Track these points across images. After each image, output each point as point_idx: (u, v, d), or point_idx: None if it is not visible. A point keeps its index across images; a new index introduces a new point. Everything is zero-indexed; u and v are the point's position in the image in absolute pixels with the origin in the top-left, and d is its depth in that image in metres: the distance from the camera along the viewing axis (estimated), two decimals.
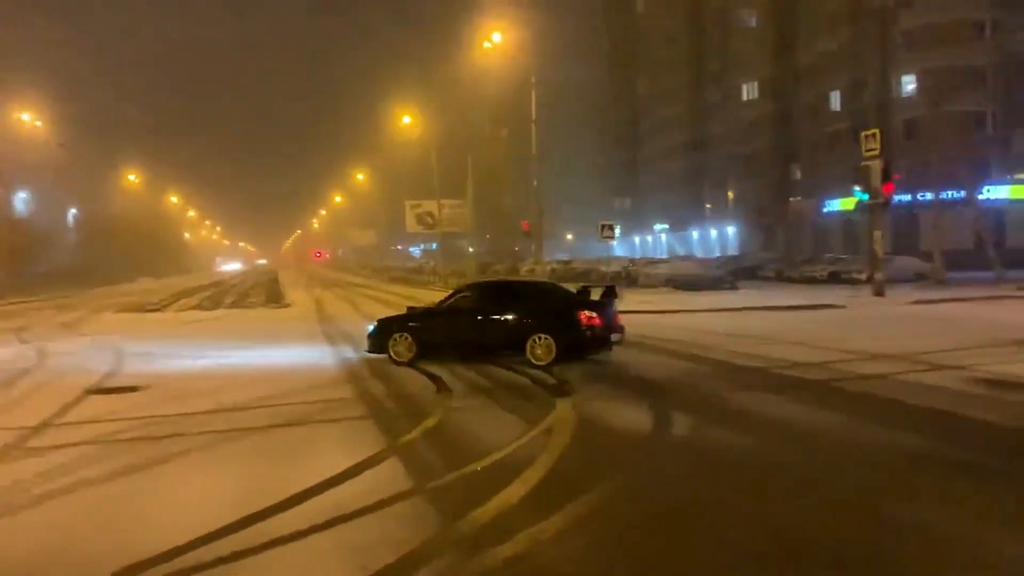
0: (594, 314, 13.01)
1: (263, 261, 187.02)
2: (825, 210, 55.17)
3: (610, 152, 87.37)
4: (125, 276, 71.52)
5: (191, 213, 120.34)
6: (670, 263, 42.17)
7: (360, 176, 78.78)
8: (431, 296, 35.42)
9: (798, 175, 60.67)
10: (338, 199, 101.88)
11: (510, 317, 13.27)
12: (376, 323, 14.25)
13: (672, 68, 74.53)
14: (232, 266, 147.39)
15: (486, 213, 66.29)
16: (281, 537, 5.33)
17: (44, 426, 9.07)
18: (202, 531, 5.46)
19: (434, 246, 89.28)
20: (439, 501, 6.12)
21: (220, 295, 43.85)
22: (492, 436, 8.08)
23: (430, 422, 8.75)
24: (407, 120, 50.54)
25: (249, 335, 19.58)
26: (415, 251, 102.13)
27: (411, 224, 60.80)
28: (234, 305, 33.84)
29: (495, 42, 34.22)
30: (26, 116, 46.41)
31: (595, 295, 14.26)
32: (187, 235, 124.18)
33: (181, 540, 5.27)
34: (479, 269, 47.74)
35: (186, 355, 15.72)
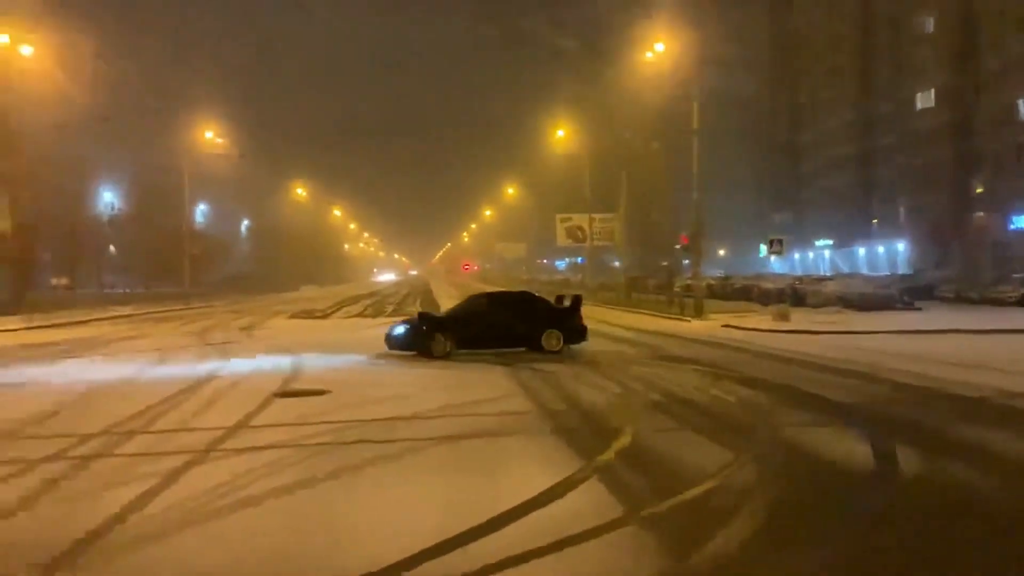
0: (581, 315, 17.52)
1: (415, 272, 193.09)
2: (1013, 227, 50.52)
3: (769, 165, 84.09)
4: (290, 284, 75.47)
5: (352, 226, 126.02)
6: (839, 281, 39.68)
7: (511, 190, 79.64)
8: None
9: (979, 189, 55.93)
10: (488, 213, 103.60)
11: (526, 318, 17.14)
12: (409, 327, 17.01)
13: (837, 76, 70.81)
14: (387, 276, 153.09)
15: (635, 227, 65.21)
16: (498, 562, 4.97)
17: (239, 428, 9.25)
18: (409, 549, 5.19)
19: (580, 260, 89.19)
20: (658, 530, 5.61)
21: (380, 303, 45.26)
22: (694, 459, 7.50)
23: (623, 441, 8.24)
24: (561, 133, 50.43)
25: None
26: (560, 265, 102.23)
27: (561, 238, 60.75)
28: (395, 313, 34.66)
29: (657, 52, 33.48)
30: (209, 134, 49.84)
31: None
32: (347, 246, 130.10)
33: (388, 558, 5.03)
34: (628, 284, 46.79)
35: (359, 361, 16.00)
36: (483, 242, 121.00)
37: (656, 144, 74.43)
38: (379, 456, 7.76)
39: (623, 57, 45.17)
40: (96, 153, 52.17)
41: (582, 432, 8.94)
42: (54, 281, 45.54)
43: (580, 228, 56.01)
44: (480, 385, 12.53)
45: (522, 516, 5.92)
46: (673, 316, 29.36)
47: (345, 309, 39.66)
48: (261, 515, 6.04)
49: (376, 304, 44.68)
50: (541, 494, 6.40)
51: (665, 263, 69.32)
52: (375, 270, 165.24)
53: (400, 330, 16.93)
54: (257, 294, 59.50)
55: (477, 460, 7.74)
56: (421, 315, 18.53)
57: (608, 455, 7.71)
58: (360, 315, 34.80)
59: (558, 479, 6.81)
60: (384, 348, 16.84)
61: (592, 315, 30.88)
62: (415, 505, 6.30)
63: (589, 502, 6.27)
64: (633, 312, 32.87)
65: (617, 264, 60.71)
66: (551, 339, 16.76)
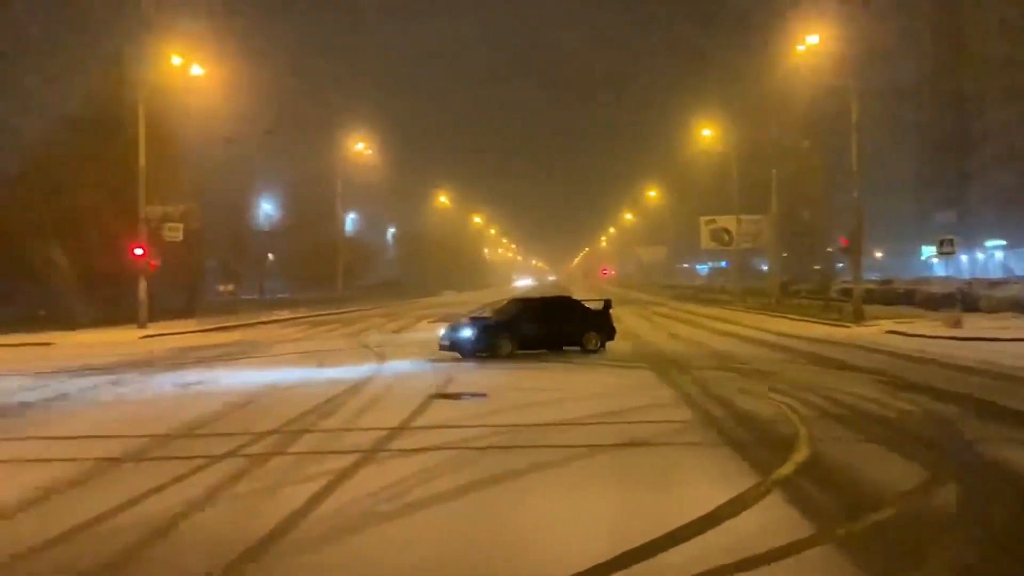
0: (611, 317, 19.05)
1: (552, 278, 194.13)
2: None
3: (931, 161, 78.67)
4: (432, 290, 77.41)
5: (492, 231, 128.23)
6: (1021, 284, 36.42)
7: (652, 193, 78.46)
8: (728, 315, 33.94)
9: None
10: (628, 216, 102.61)
11: (569, 320, 18.52)
12: (477, 329, 17.53)
13: (1010, 64, 65.34)
14: (525, 281, 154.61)
15: (785, 229, 62.60)
16: None
17: (402, 429, 9.37)
18: (584, 562, 4.99)
19: (723, 264, 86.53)
20: (857, 553, 5.14)
21: None
22: (884, 475, 6.91)
23: (801, 455, 7.71)
24: (707, 132, 49.11)
25: None
26: (702, 269, 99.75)
27: (705, 240, 59.09)
28: None
29: (811, 43, 31.91)
30: (360, 145, 51.93)
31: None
32: (486, 251, 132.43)
33: (561, 572, 4.84)
34: (779, 289, 44.83)
35: (509, 366, 16.02)
36: (622, 246, 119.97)
37: (807, 141, 71.33)
38: (544, 462, 7.61)
39: (772, 50, 43.48)
40: (257, 165, 55.37)
41: (752, 443, 8.45)
42: (220, 287, 48.67)
43: (726, 230, 54.30)
44: (632, 392, 12.20)
45: (701, 532, 5.59)
46: (831, 322, 27.82)
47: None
48: (431, 519, 6.00)
49: None
50: (718, 509, 6.03)
51: (817, 267, 66.31)
52: (514, 275, 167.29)
53: (468, 333, 17.43)
54: (402, 299, 61.34)
55: (644, 470, 7.45)
56: (475, 319, 19.62)
57: (786, 468, 7.21)
58: None
59: (734, 493, 6.42)
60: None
61: (743, 321, 29.91)
62: (584, 515, 6.09)
63: (773, 519, 5.85)
64: (786, 318, 31.41)
65: (764, 268, 58.44)
66: (592, 340, 18.13)
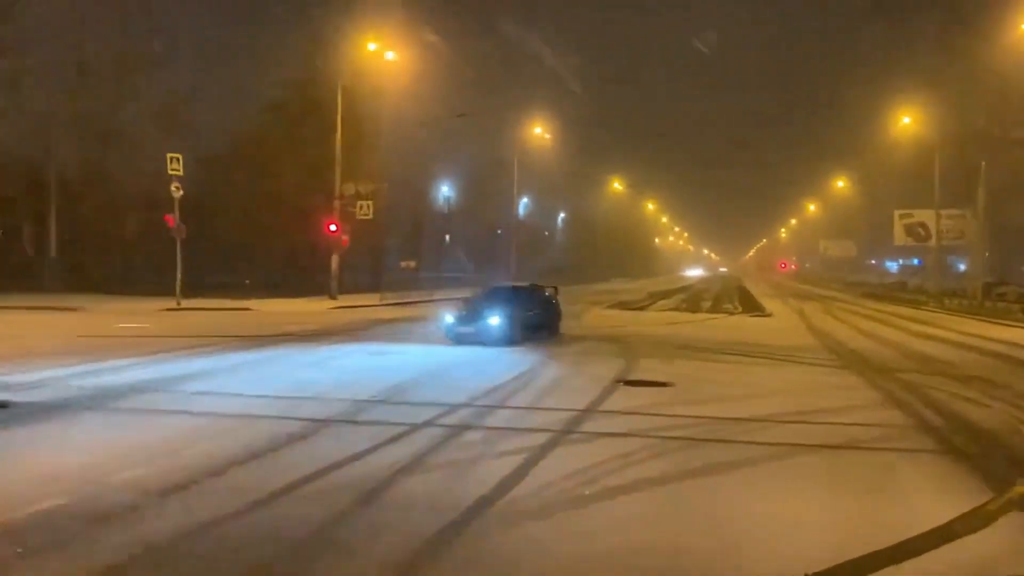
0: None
1: (724, 269, 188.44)
2: None
3: None
4: (601, 276, 77.15)
5: (663, 219, 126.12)
6: None
7: (840, 183, 74.07)
8: (925, 316, 31.41)
9: None
10: (811, 208, 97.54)
11: (545, 307, 19.03)
12: (502, 318, 16.63)
13: None
14: (695, 272, 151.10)
15: (992, 226, 57.20)
16: None
17: (589, 411, 9.29)
18: (801, 570, 4.64)
19: (915, 261, 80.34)
20: None
21: (694, 299, 44.43)
22: None
23: None
24: (907, 120, 45.56)
25: (741, 340, 18.96)
26: (892, 266, 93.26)
27: (899, 236, 55.26)
28: (712, 310, 33.77)
29: None
30: (538, 130, 52.47)
31: None
32: (656, 240, 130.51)
33: None
34: (984, 290, 40.98)
35: (692, 355, 15.60)
36: (804, 239, 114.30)
37: (1022, 131, 64.82)
38: (742, 459, 7.25)
39: (983, 32, 39.64)
40: (440, 148, 57.20)
41: (979, 454, 7.68)
42: (402, 264, 50.88)
43: (923, 226, 50.50)
44: (829, 391, 11.48)
45: (934, 546, 5.06)
46: None
47: (660, 303, 39.44)
48: (629, 506, 5.83)
49: (690, 299, 43.93)
50: (952, 523, 5.45)
51: None
52: (683, 265, 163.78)
53: (501, 321, 16.57)
54: (571, 284, 61.54)
55: (857, 474, 6.93)
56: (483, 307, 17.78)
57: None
58: (676, 309, 34.32)
59: (967, 507, 5.79)
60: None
61: (943, 323, 27.55)
62: (795, 518, 5.71)
63: (1018, 541, 5.24)
64: (993, 322, 28.66)
65: (962, 267, 53.79)
66: (559, 326, 18.79)
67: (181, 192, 25.33)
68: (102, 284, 31.76)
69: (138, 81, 37.44)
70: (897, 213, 54.09)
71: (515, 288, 20.27)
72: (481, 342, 16.08)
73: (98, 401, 9.41)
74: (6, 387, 10.05)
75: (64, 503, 5.48)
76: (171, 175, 25.23)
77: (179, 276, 26.12)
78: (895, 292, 55.95)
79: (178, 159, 25.45)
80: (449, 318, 17.09)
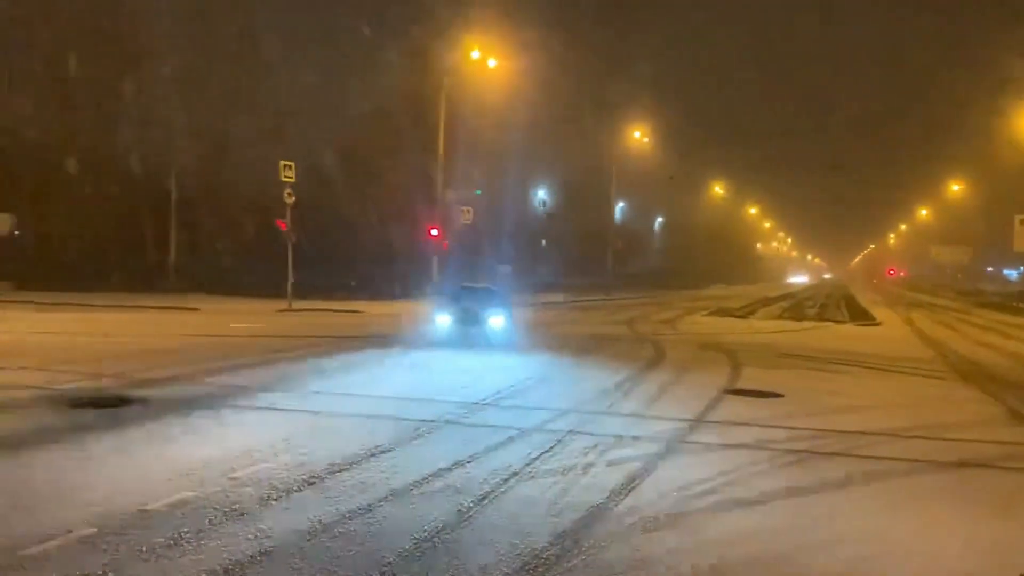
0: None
1: (829, 275, 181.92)
2: None
3: None
4: (700, 282, 75.75)
5: (766, 224, 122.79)
6: None
7: (955, 187, 70.46)
8: None
9: None
10: (923, 212, 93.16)
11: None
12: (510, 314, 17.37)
13: None
14: (799, 278, 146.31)
15: None
16: None
17: (698, 422, 9.18)
18: None
19: None
20: None
21: (798, 306, 43.13)
22: None
23: None
24: None
25: (849, 350, 18.31)
26: (1011, 274, 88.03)
27: (1020, 242, 52.01)
28: (818, 318, 32.68)
29: None
30: (637, 134, 52.04)
31: None
32: (759, 245, 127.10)
33: None
34: None
35: (800, 365, 15.18)
36: (914, 245, 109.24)
37: None
38: (862, 474, 7.03)
39: None
40: (537, 152, 57.44)
41: None
42: (500, 268, 51.28)
43: None
44: (948, 405, 11.00)
45: None
46: None
47: (763, 310, 38.45)
48: (743, 520, 5.74)
49: (794, 307, 42.65)
50: None
51: None
52: (787, 271, 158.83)
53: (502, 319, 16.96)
54: (668, 289, 60.72)
55: (986, 496, 6.60)
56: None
57: None
58: (779, 317, 33.38)
59: None
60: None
61: None
62: (917, 539, 5.49)
63: None
64: None
65: None
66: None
67: (293, 198, 26.32)
68: (218, 286, 33.31)
69: (251, 91, 39.13)
70: (1018, 218, 50.94)
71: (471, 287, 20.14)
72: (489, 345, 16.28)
73: (220, 399, 9.90)
74: (139, 384, 10.71)
75: (194, 496, 5.81)
76: (284, 181, 26.24)
77: (290, 278, 27.14)
78: (1014, 302, 52.82)
79: (291, 166, 26.44)
80: (443, 316, 17.12)
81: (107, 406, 9.13)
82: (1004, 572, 4.90)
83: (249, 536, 5.09)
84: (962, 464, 7.54)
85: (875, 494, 6.55)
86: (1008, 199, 58.21)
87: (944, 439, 8.71)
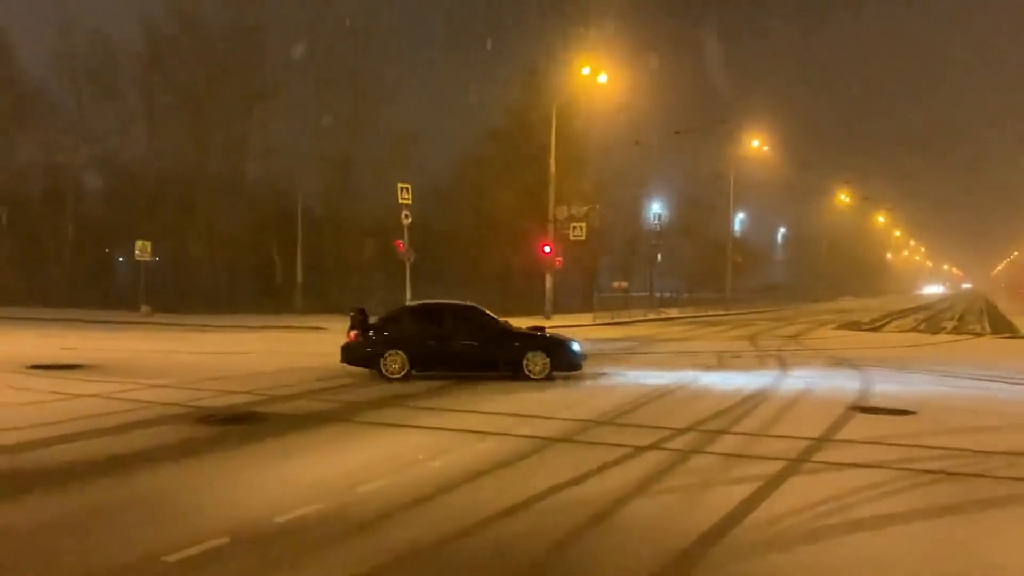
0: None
1: (968, 285, 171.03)
2: None
3: None
4: (827, 295, 72.79)
5: (896, 233, 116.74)
6: None
7: None
8: None
9: None
10: None
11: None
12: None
13: None
14: (934, 289, 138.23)
15: None
16: None
17: (824, 440, 8.78)
18: None
19: None
20: None
21: (934, 319, 40.77)
22: None
23: None
24: None
25: (990, 365, 17.11)
26: None
27: None
28: (956, 331, 30.75)
29: None
30: (755, 143, 50.72)
31: None
32: (888, 255, 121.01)
33: None
34: None
35: (936, 381, 14.31)
36: None
37: None
38: (1007, 496, 6.56)
39: None
40: (653, 167, 56.84)
41: None
42: (615, 284, 50.98)
43: None
44: None
45: None
46: None
47: (895, 323, 36.52)
48: (881, 542, 5.44)
49: (929, 319, 40.32)
50: None
51: None
52: (920, 282, 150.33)
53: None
54: (792, 303, 58.61)
55: None
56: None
57: None
58: (913, 330, 31.63)
59: None
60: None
61: None
62: None
63: None
64: None
65: None
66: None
67: (410, 219, 27.04)
68: (341, 305, 34.59)
69: (371, 115, 40.57)
70: None
71: (423, 308, 15.04)
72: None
73: (340, 414, 10.26)
74: (270, 399, 11.23)
75: (318, 509, 6.01)
76: (401, 204, 27.01)
77: (408, 296, 27.84)
78: None
79: (407, 188, 27.19)
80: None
81: (241, 422, 9.60)
82: None
83: (368, 550, 5.22)
84: None
85: (1014, 519, 6.08)
86: None
87: None
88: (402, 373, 13.65)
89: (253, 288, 38.42)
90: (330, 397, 11.71)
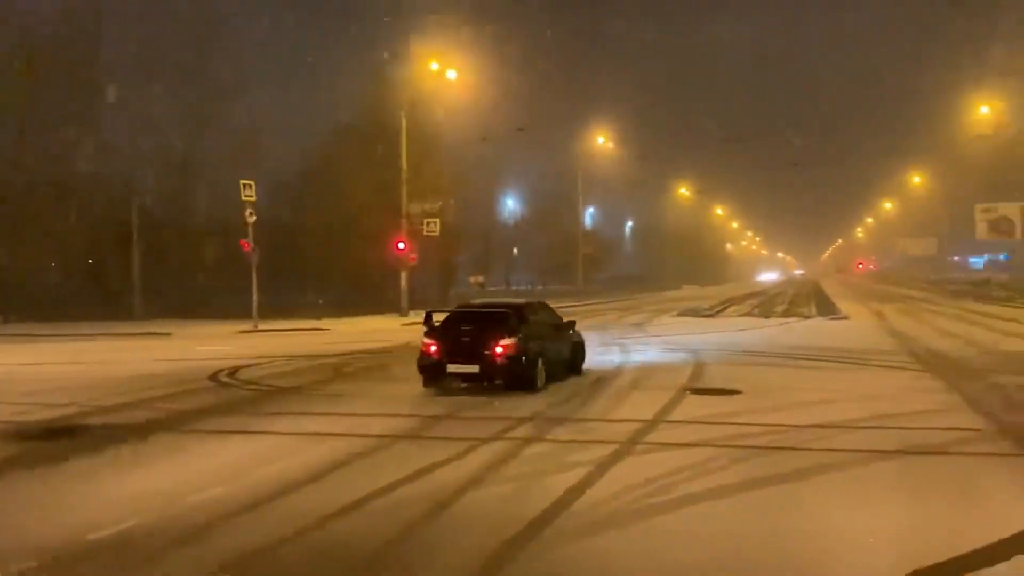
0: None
1: (800, 272, 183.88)
2: None
3: None
4: (671, 284, 76.28)
5: (734, 224, 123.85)
6: None
7: (917, 179, 71.64)
8: (1015, 313, 30.14)
9: None
10: (888, 206, 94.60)
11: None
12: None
13: None
14: (769, 276, 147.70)
15: None
16: None
17: (657, 422, 9.23)
18: None
19: (1002, 257, 76.95)
20: None
21: (768, 304, 43.56)
22: None
23: None
24: (985, 110, 43.70)
25: (815, 345, 18.55)
26: (977, 262, 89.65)
27: (981, 231, 53.14)
28: (786, 314, 33.04)
29: None
30: (600, 139, 52.43)
31: None
32: (728, 246, 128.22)
33: None
34: None
35: (764, 361, 15.33)
36: (882, 238, 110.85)
37: None
38: (818, 466, 7.12)
39: None
40: (504, 163, 57.67)
41: None
42: (471, 279, 51.37)
43: (1007, 219, 48.43)
44: (908, 395, 11.17)
45: (1012, 555, 4.93)
46: None
47: (733, 308, 38.79)
48: (702, 517, 5.79)
49: (763, 304, 43.08)
50: None
51: None
52: (757, 270, 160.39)
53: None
54: (639, 293, 61.06)
55: (937, 481, 6.71)
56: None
57: None
58: (748, 314, 33.71)
59: None
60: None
61: None
62: (872, 525, 5.57)
63: None
64: None
65: None
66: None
67: (255, 217, 26.12)
68: (184, 309, 33.01)
69: (214, 112, 38.81)
70: (978, 207, 52.06)
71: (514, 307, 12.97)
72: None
73: (177, 423, 9.82)
74: (102, 411, 10.59)
75: (140, 523, 5.73)
76: (244, 201, 26.05)
77: (255, 299, 26.93)
78: (979, 289, 53.75)
79: (251, 185, 26.26)
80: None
81: (66, 436, 9.01)
82: (945, 551, 4.97)
83: (191, 561, 5.05)
84: (914, 452, 7.65)
85: (828, 486, 6.63)
86: (970, 189, 59.27)
87: (899, 428, 8.83)
88: None
89: (89, 295, 35.93)
90: (166, 406, 11.16)
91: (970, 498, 6.17)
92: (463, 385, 11.67)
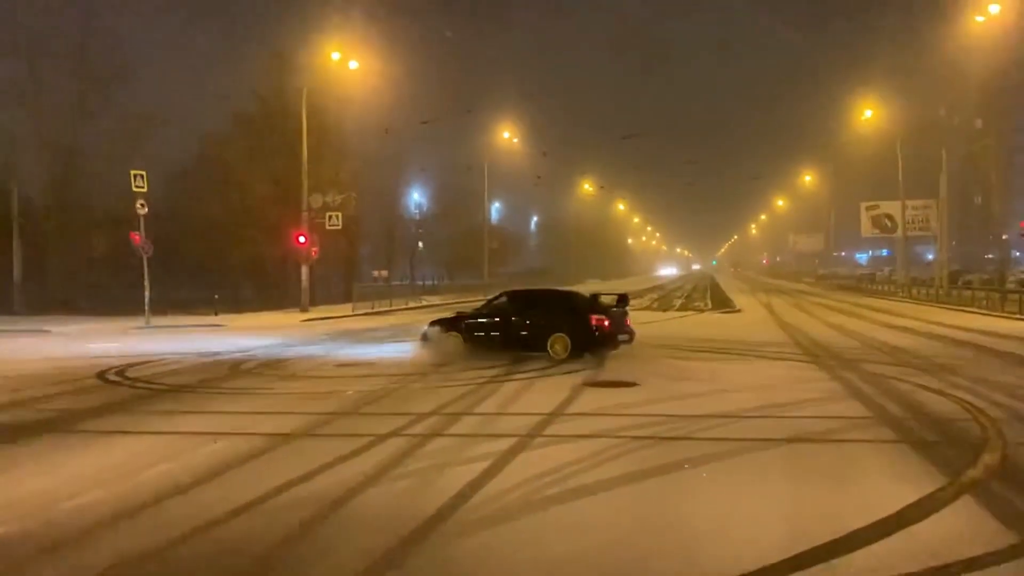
0: (603, 317, 14.90)
1: (698, 266, 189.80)
2: None
3: None
4: (575, 278, 77.34)
5: (635, 220, 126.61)
6: None
7: (807, 178, 74.88)
8: (893, 306, 31.91)
9: None
10: (780, 203, 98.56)
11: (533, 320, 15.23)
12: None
13: None
14: (669, 271, 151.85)
15: (954, 215, 58.15)
16: None
17: (555, 415, 9.33)
18: (759, 560, 4.75)
19: (884, 252, 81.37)
20: None
21: (666, 298, 44.73)
22: None
23: (993, 457, 7.07)
24: (868, 114, 45.98)
25: (710, 337, 19.19)
26: (862, 258, 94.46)
27: (866, 228, 55.95)
28: (684, 308, 34.02)
29: (991, 14, 29.35)
30: (506, 134, 52.59)
31: None
32: (630, 241, 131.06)
33: (732, 570, 4.65)
34: (948, 279, 41.60)
35: (661, 354, 15.72)
36: (774, 234, 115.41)
37: (979, 121, 66.12)
38: (708, 454, 7.35)
39: (945, 24, 40.28)
40: (409, 156, 57.06)
41: (935, 442, 7.84)
42: (375, 274, 50.68)
43: (888, 217, 51.18)
44: (795, 385, 11.64)
45: (887, 534, 5.21)
46: (1010, 315, 25.61)
47: (633, 302, 39.56)
48: (595, 507, 5.90)
49: (662, 298, 44.22)
50: (904, 510, 5.62)
51: (990, 255, 61.35)
52: (657, 265, 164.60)
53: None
54: (542, 286, 61.59)
55: (818, 467, 7.03)
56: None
57: (977, 471, 6.63)
58: (647, 308, 34.51)
59: (919, 495, 5.96)
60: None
61: (910, 313, 28.09)
62: (756, 511, 5.80)
63: (968, 525, 5.38)
64: (958, 310, 29.23)
65: (931, 257, 54.55)
66: (556, 345, 14.79)
67: (146, 209, 25.00)
68: (70, 305, 31.39)
69: (102, 96, 36.92)
70: (863, 205, 54.80)
71: (509, 295, 16.73)
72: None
73: (56, 424, 9.33)
74: None
75: (6, 532, 5.43)
76: (135, 192, 24.92)
77: (147, 294, 25.82)
78: (864, 284, 56.72)
79: (142, 176, 25.14)
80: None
81: None
82: (827, 530, 5.21)
83: (64, 569, 4.81)
84: (798, 439, 7.99)
85: (715, 474, 6.84)
86: (856, 187, 62.38)
87: (785, 417, 9.21)
88: None
89: None
90: (48, 406, 10.59)
91: (849, 483, 6.48)
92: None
